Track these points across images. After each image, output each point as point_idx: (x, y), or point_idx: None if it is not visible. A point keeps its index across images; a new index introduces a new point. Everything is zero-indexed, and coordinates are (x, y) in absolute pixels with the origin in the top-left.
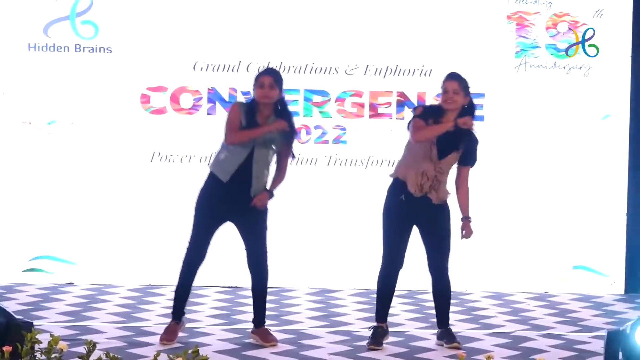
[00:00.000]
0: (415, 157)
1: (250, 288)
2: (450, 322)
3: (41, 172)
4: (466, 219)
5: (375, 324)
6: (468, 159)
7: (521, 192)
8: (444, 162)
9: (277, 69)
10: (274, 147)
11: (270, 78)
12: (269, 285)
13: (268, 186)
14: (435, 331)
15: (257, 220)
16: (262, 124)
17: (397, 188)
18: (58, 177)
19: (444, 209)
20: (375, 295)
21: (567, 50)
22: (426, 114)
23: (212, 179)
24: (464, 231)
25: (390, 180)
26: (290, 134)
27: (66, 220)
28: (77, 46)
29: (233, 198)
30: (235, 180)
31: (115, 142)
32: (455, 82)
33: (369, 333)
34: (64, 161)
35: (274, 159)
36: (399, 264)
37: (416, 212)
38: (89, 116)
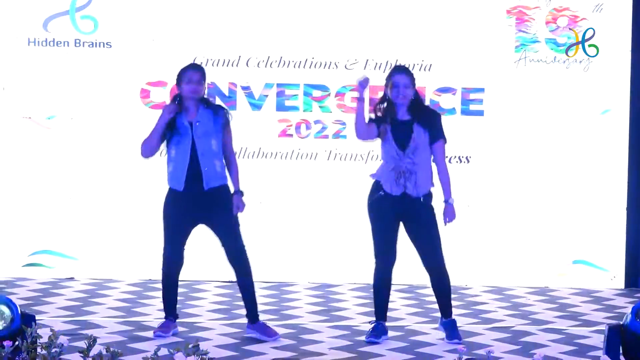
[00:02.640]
0: (385, 156)
1: (237, 284)
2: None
3: (41, 167)
4: (447, 203)
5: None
6: (435, 134)
7: (521, 187)
8: (409, 152)
9: (277, 63)
10: (214, 136)
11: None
12: (268, 280)
13: (228, 178)
14: (436, 325)
15: (227, 217)
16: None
17: (375, 187)
18: (58, 172)
19: (425, 205)
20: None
21: (567, 50)
22: (377, 114)
23: (170, 192)
24: (446, 217)
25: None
26: (220, 117)
27: (66, 215)
28: (77, 41)
29: (195, 203)
30: (191, 184)
31: (115, 137)
32: (405, 76)
33: (369, 327)
34: (63, 156)
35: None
36: (392, 259)
37: (398, 210)
38: (88, 111)
